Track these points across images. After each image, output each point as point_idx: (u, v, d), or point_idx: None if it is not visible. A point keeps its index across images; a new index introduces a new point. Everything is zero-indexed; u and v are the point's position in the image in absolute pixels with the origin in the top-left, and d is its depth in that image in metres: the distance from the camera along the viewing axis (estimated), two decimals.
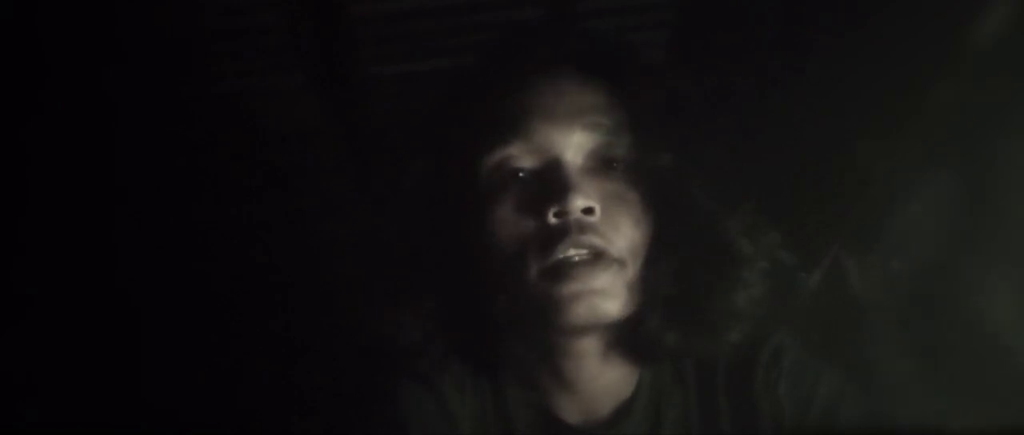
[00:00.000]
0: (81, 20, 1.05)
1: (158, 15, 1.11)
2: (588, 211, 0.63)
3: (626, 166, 0.66)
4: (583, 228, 0.62)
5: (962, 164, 0.82)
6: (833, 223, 0.91)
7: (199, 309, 1.18)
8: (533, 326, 0.66)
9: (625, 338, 0.67)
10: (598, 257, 0.63)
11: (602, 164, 0.65)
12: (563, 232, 0.62)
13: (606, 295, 0.63)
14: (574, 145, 0.65)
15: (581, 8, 1.19)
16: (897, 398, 0.76)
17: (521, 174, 0.66)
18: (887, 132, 0.88)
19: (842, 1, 0.94)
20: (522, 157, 0.65)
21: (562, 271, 0.62)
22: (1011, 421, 0.68)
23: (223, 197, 1.26)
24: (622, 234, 0.64)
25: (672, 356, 0.69)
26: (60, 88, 1.05)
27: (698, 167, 0.67)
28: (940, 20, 0.80)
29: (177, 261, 1.19)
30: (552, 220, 0.62)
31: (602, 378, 0.69)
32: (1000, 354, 0.79)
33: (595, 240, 0.62)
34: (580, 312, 0.62)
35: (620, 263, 0.63)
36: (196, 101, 1.26)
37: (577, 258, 0.62)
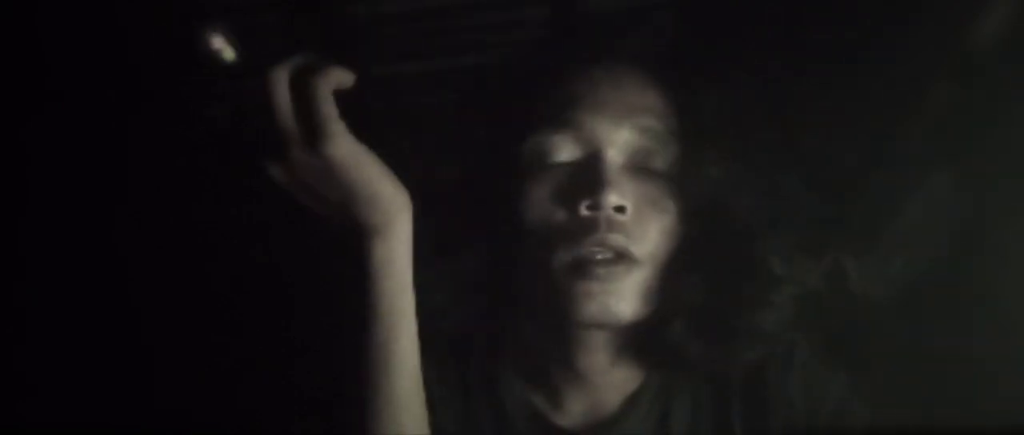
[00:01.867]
0: (81, 20, 1.05)
1: (158, 15, 1.11)
2: (620, 210, 0.62)
3: (667, 172, 0.65)
4: (612, 226, 0.62)
5: (962, 164, 0.82)
6: (833, 223, 0.90)
7: (200, 309, 1.18)
8: (548, 315, 0.66)
9: (640, 339, 0.67)
10: (621, 258, 0.62)
11: (643, 166, 0.65)
12: (592, 226, 0.62)
13: (621, 297, 0.63)
14: (619, 142, 0.64)
15: (581, 8, 1.19)
16: (900, 398, 0.76)
17: (562, 160, 0.65)
18: (887, 132, 0.88)
19: (842, 1, 0.94)
20: (566, 145, 0.65)
21: (583, 268, 0.62)
22: (1011, 421, 0.68)
23: (223, 197, 1.26)
24: (649, 238, 0.63)
25: (690, 368, 0.68)
26: (60, 88, 1.05)
27: (742, 184, 0.66)
28: (940, 20, 0.80)
29: (178, 261, 1.19)
30: (584, 212, 0.62)
31: (612, 372, 0.69)
32: (1002, 353, 0.79)
33: (621, 240, 0.62)
34: (593, 310, 0.62)
35: (640, 265, 0.63)
36: (197, 101, 1.26)
37: (600, 257, 0.62)
